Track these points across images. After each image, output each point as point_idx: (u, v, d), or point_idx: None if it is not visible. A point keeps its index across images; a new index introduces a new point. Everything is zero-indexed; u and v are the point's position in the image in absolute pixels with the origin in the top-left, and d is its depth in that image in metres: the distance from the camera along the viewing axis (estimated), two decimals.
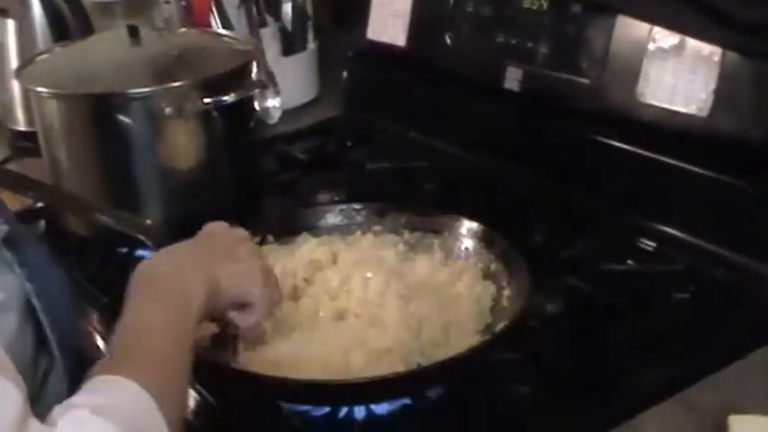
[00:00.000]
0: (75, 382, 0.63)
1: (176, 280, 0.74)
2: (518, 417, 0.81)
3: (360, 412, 0.80)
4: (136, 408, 0.59)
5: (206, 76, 1.09)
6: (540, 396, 0.82)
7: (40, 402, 0.64)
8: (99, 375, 0.61)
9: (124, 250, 1.10)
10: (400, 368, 0.78)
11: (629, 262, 1.02)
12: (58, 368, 0.68)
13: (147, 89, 1.06)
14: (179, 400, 0.66)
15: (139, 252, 1.09)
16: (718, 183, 1.00)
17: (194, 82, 1.07)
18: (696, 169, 1.03)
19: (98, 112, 1.08)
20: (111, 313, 1.01)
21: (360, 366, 0.79)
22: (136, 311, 0.70)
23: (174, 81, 1.07)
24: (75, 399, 0.58)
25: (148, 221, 1.01)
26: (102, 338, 0.98)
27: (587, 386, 0.83)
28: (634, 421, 0.78)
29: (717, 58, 0.98)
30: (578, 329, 0.91)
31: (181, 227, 1.05)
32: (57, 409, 0.57)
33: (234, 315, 0.80)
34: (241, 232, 0.86)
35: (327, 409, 0.80)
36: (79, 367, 0.66)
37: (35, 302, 0.67)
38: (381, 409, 0.80)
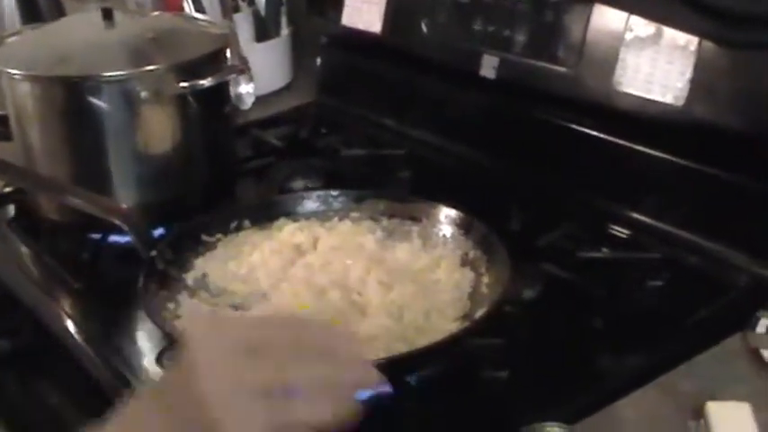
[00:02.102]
0: None
1: None
2: (497, 402, 0.81)
3: None
4: None
5: (182, 59, 1.08)
6: (519, 382, 0.82)
7: None
8: None
9: (98, 235, 1.09)
10: (383, 355, 0.78)
11: (605, 249, 1.03)
12: None
13: (122, 72, 1.05)
14: None
15: (113, 237, 1.08)
16: (693, 171, 1.02)
17: (170, 65, 1.06)
18: (672, 158, 1.04)
19: (72, 95, 1.06)
20: (84, 299, 1.02)
21: None
22: None
23: (150, 64, 1.06)
24: None
25: (123, 206, 1.00)
26: (74, 323, 0.97)
27: (565, 372, 0.83)
28: (613, 406, 0.79)
29: (693, 48, 0.99)
30: (556, 315, 0.91)
31: (156, 211, 1.05)
32: None
33: None
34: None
35: None
36: None
37: None
38: (362, 394, 0.80)
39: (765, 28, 0.88)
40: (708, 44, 0.98)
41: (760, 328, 0.87)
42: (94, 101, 1.04)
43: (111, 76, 1.04)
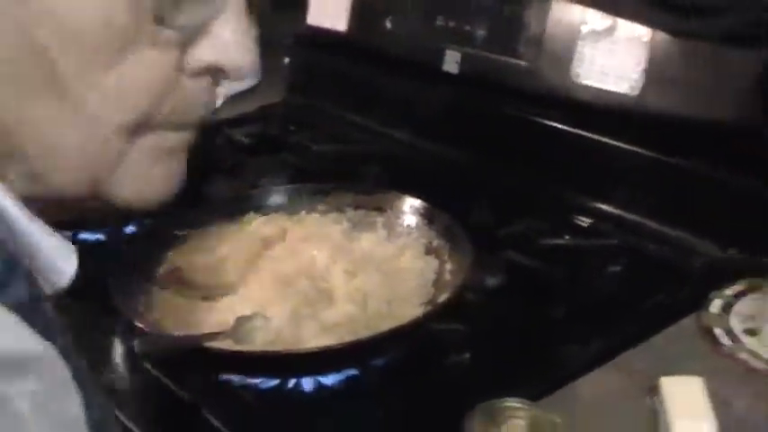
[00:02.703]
0: None
1: None
2: (459, 384, 0.83)
3: (308, 384, 0.82)
4: None
5: None
6: (480, 365, 0.85)
7: None
8: None
9: (68, 233, 1.10)
10: (348, 339, 0.80)
11: (566, 237, 1.06)
12: None
13: None
14: None
15: (83, 235, 1.09)
16: (649, 159, 1.05)
17: None
18: (629, 147, 1.07)
19: None
20: (54, 296, 1.03)
21: (310, 339, 0.81)
22: None
23: None
24: None
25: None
26: None
27: (526, 355, 0.86)
28: (572, 385, 0.81)
29: (647, 39, 1.02)
30: (518, 301, 0.94)
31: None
32: None
33: None
34: None
35: (276, 382, 0.82)
36: None
37: None
38: (329, 380, 0.83)
39: (713, 18, 0.91)
40: (661, 35, 1.01)
41: (713, 309, 0.90)
42: None
43: None
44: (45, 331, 0.42)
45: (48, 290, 0.49)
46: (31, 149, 0.46)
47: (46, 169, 0.47)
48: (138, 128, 0.48)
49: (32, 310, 0.43)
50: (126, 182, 0.50)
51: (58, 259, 0.49)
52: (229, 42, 0.48)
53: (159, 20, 0.45)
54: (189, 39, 0.47)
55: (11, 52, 0.43)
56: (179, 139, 0.52)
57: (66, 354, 0.43)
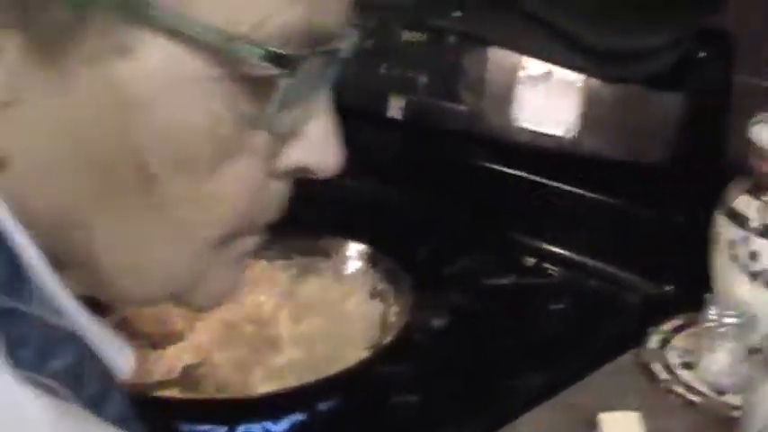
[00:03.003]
0: None
1: None
2: (407, 424, 0.85)
3: (258, 431, 0.83)
4: None
5: None
6: (427, 404, 0.87)
7: None
8: None
9: None
10: (294, 385, 0.81)
11: (511, 276, 1.08)
12: None
13: None
14: None
15: None
16: (588, 199, 1.08)
17: None
18: (568, 187, 1.10)
19: None
20: None
21: (257, 385, 0.82)
22: None
23: None
24: None
25: None
26: None
27: (471, 392, 0.88)
28: (513, 423, 0.83)
29: (580, 84, 1.06)
30: (462, 341, 0.96)
31: None
32: None
33: None
34: None
35: (225, 430, 0.83)
36: None
37: None
38: (278, 427, 0.84)
39: (638, 63, 0.95)
40: (593, 80, 1.05)
41: (651, 344, 0.93)
42: None
43: None
44: None
45: None
46: (106, 260, 0.43)
47: (121, 282, 0.44)
48: (228, 238, 0.46)
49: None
50: (204, 290, 0.47)
51: (117, 356, 0.46)
52: (322, 143, 0.46)
53: (255, 126, 0.43)
54: (282, 143, 0.45)
55: (107, 157, 0.41)
56: (255, 242, 0.49)
57: None
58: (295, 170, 0.46)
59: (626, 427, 0.78)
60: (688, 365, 0.90)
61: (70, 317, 0.42)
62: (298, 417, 0.84)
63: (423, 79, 1.24)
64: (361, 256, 1.00)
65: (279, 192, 0.47)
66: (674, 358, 0.91)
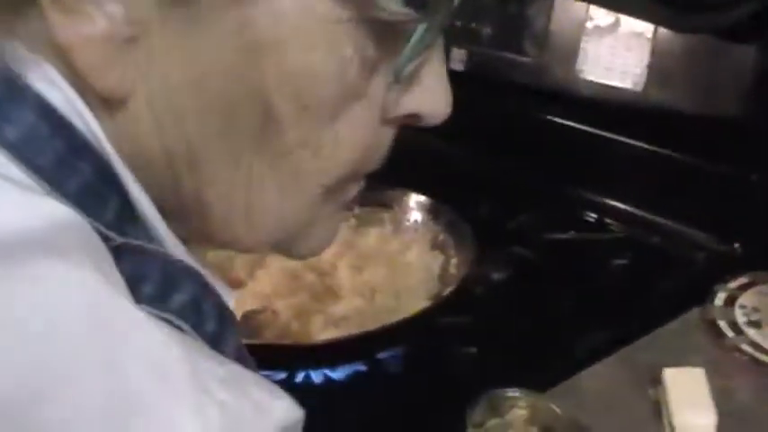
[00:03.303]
0: None
1: None
2: (466, 376, 0.84)
3: (317, 377, 0.83)
4: None
5: None
6: (486, 356, 0.86)
7: None
8: None
9: None
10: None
11: (572, 232, 1.07)
12: None
13: None
14: None
15: None
16: (654, 154, 1.06)
17: None
18: (633, 142, 1.07)
19: None
20: None
21: (318, 332, 0.82)
22: None
23: None
24: None
25: None
26: None
27: (531, 347, 0.87)
28: (576, 377, 0.82)
29: (649, 35, 1.03)
30: (523, 294, 0.95)
31: None
32: None
33: None
34: None
35: (285, 375, 0.83)
36: None
37: None
38: (338, 374, 0.84)
39: (715, 13, 0.92)
40: (663, 31, 1.02)
41: (717, 301, 0.91)
42: None
43: None
44: None
45: None
46: (218, 207, 0.42)
47: (230, 230, 0.44)
48: (337, 186, 0.45)
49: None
50: (308, 239, 0.47)
51: (224, 295, 0.44)
52: (435, 90, 0.45)
53: (381, 72, 0.42)
54: (399, 89, 0.44)
55: (232, 98, 0.40)
56: (358, 188, 0.48)
57: None
58: (406, 116, 0.45)
59: (690, 384, 0.76)
60: (755, 324, 0.88)
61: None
62: (357, 365, 0.84)
63: (486, 30, 1.22)
64: (422, 207, 0.99)
65: (386, 139, 0.46)
66: (740, 316, 0.89)
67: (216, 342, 0.40)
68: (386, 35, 0.40)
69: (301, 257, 0.50)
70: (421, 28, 0.40)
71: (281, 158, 0.42)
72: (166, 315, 0.37)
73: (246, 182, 0.42)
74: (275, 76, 0.39)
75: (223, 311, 0.41)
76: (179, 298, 0.38)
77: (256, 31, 0.38)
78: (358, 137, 0.43)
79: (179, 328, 0.37)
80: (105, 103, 0.39)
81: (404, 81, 0.43)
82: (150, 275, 0.38)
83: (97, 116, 0.39)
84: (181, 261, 0.40)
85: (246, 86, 0.39)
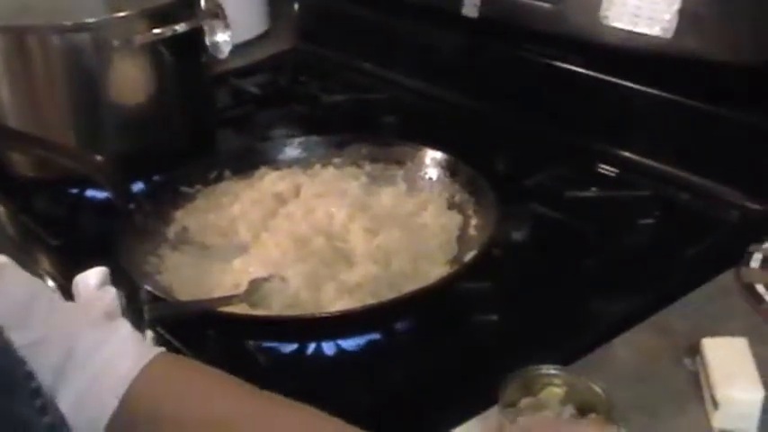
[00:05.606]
0: None
1: None
2: (487, 346, 0.79)
3: (329, 348, 0.78)
4: None
5: (153, 5, 1.04)
6: (509, 324, 0.81)
7: None
8: None
9: (75, 191, 1.06)
10: (370, 302, 0.76)
11: (594, 189, 1.01)
12: None
13: (93, 19, 1.01)
14: None
15: (91, 192, 1.05)
16: (682, 106, 0.99)
17: (142, 11, 1.03)
18: (660, 92, 1.01)
19: (41, 45, 1.03)
20: (62, 256, 0.99)
21: (330, 301, 0.77)
22: None
23: (121, 11, 1.02)
24: None
25: (99, 158, 0.97)
26: (54, 280, 0.95)
27: (557, 314, 0.82)
28: (606, 346, 0.77)
29: None
30: (546, 256, 0.90)
31: (133, 163, 1.02)
32: None
33: None
34: None
35: (295, 346, 0.78)
36: None
37: None
38: (350, 344, 0.79)
39: None
40: None
41: (754, 263, 0.86)
42: (66, 50, 1.01)
43: (79, 23, 1.01)
44: None
45: None
46: None
47: None
48: None
49: None
50: None
51: None
52: None
53: None
54: None
55: None
56: None
57: None
58: None
59: (732, 354, 0.71)
60: None
61: None
62: (372, 336, 0.79)
63: None
64: (437, 163, 0.94)
65: None
66: None
67: None
68: None
69: None
70: None
71: None
72: None
73: None
74: None
75: None
76: None
77: None
78: None
79: None
80: None
81: None
82: None
83: None
84: None
85: None
